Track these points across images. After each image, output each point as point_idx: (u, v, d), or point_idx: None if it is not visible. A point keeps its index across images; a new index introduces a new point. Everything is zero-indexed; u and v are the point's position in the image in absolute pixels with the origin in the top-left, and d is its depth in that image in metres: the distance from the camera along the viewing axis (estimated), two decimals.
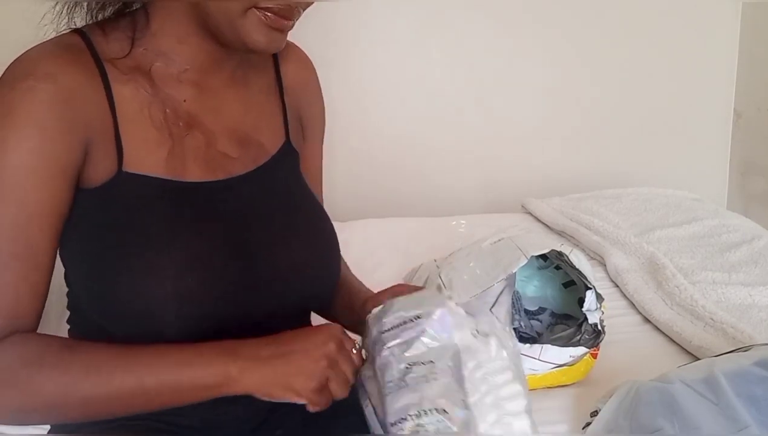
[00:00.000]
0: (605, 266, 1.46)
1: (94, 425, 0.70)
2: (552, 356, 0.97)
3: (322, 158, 0.96)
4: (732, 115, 2.18)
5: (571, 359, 0.98)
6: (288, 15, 0.68)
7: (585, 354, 0.99)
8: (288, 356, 0.65)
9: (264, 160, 0.77)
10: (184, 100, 0.72)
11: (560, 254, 1.07)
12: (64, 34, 0.70)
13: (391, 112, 2.07)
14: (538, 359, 0.96)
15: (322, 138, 0.96)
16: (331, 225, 0.82)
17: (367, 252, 1.59)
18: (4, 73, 0.65)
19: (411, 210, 1.93)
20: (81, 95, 0.66)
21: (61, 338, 0.68)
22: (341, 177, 2.08)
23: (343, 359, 0.67)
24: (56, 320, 1.17)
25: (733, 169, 2.22)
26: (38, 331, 0.67)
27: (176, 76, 0.72)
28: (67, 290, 0.76)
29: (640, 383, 0.83)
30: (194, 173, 0.71)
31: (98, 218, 0.67)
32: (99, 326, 0.69)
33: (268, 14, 0.66)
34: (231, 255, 0.70)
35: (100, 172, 0.67)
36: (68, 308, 0.77)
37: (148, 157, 0.69)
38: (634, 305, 1.30)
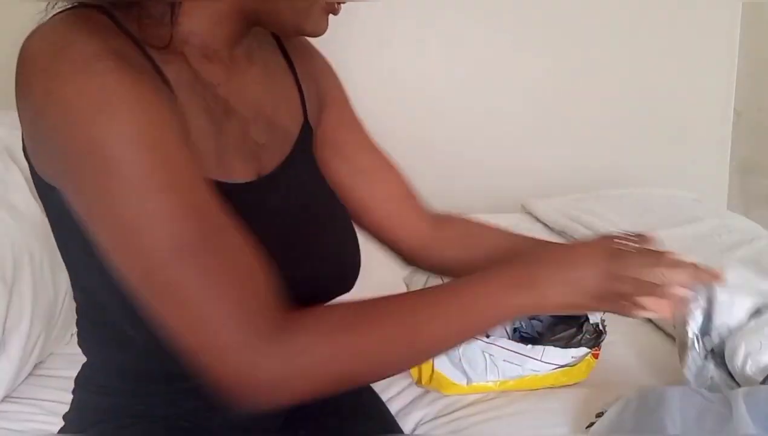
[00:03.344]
0: None
1: (116, 419, 0.69)
2: (554, 356, 0.96)
3: (359, 122, 0.91)
4: (732, 115, 2.18)
5: (573, 359, 0.98)
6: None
7: (587, 354, 0.98)
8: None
9: (290, 145, 0.73)
10: (219, 85, 0.67)
11: None
12: (73, 8, 0.59)
13: (390, 112, 2.06)
14: (540, 360, 0.96)
15: (348, 101, 0.91)
16: (348, 214, 0.82)
17: (367, 252, 1.58)
18: (52, 64, 0.54)
19: None
20: (147, 75, 0.57)
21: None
22: None
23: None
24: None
25: (733, 169, 2.21)
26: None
27: (209, 58, 0.66)
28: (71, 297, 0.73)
29: (648, 388, 0.83)
30: (238, 171, 0.66)
31: None
32: (121, 335, 0.64)
33: (335, 3, 0.68)
34: (284, 257, 0.64)
35: None
36: (80, 316, 0.72)
37: (202, 153, 0.62)
38: None
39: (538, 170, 2.11)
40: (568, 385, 1.00)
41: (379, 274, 1.46)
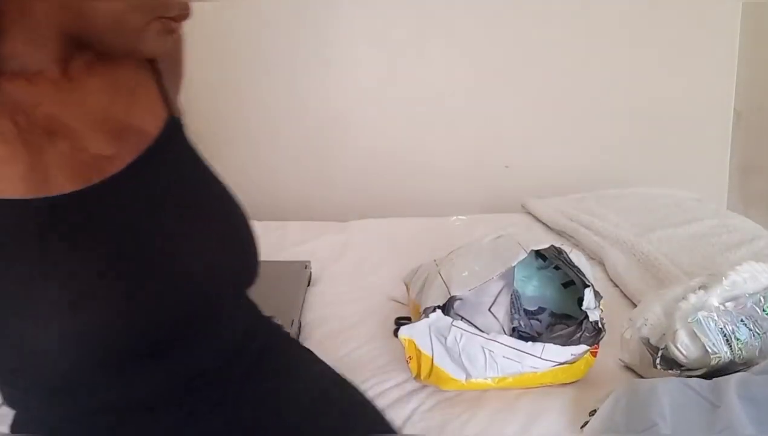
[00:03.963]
0: (605, 266, 1.46)
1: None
2: (553, 354, 0.97)
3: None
4: (732, 115, 2.18)
5: (572, 357, 0.98)
6: (186, 17, 0.65)
7: (586, 352, 0.99)
8: None
9: (146, 145, 0.68)
10: (39, 105, 0.63)
11: (559, 252, 1.07)
12: None
13: (391, 113, 2.07)
14: (540, 357, 0.96)
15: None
16: (237, 200, 0.74)
17: (367, 252, 1.59)
18: None
19: (411, 210, 1.93)
20: None
21: None
22: (341, 177, 2.09)
23: None
24: None
25: (733, 169, 2.21)
26: None
27: (28, 80, 0.63)
28: None
29: (638, 381, 0.84)
30: (61, 185, 0.61)
31: None
32: None
33: (171, 21, 0.65)
34: (127, 271, 0.63)
35: None
36: None
37: (1, 178, 0.59)
38: (634, 304, 1.30)
39: (538, 170, 2.11)
40: (567, 383, 1.00)
41: (380, 274, 1.47)
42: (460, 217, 1.79)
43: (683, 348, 0.91)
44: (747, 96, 2.12)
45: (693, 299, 0.95)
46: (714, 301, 0.95)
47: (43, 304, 0.58)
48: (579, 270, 1.05)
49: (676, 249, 1.49)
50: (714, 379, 0.84)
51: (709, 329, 0.90)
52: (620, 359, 1.04)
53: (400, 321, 1.21)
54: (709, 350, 0.88)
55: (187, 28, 0.71)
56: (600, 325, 1.00)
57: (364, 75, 2.03)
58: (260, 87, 1.97)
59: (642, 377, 1.01)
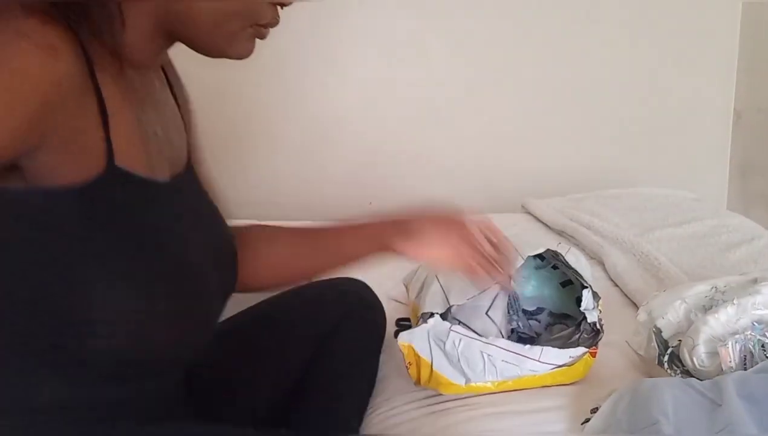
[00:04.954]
0: (605, 266, 1.46)
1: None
2: (552, 357, 0.96)
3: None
4: (732, 115, 2.18)
5: (571, 359, 0.98)
6: (276, 24, 0.70)
7: (584, 354, 0.99)
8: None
9: (185, 149, 0.78)
10: (150, 95, 0.71)
11: (556, 254, 1.07)
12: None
13: (390, 113, 2.07)
14: (538, 361, 0.96)
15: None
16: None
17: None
18: None
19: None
20: (72, 81, 0.58)
21: None
22: (341, 177, 2.09)
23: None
24: None
25: (733, 169, 2.21)
26: None
27: (138, 72, 0.69)
28: None
29: (641, 380, 0.84)
30: (162, 172, 0.70)
31: (77, 220, 0.60)
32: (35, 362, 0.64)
33: (263, 28, 0.69)
34: (187, 249, 0.70)
35: (90, 166, 0.60)
36: None
37: (131, 151, 0.65)
38: (634, 304, 1.30)
39: (538, 170, 2.11)
40: (566, 384, 1.00)
41: (379, 274, 1.46)
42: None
43: (698, 362, 0.90)
44: (747, 96, 2.12)
45: (723, 317, 0.92)
46: (745, 321, 0.92)
47: (158, 275, 0.64)
48: (576, 271, 1.05)
49: (676, 249, 1.49)
50: (714, 378, 0.84)
51: (733, 353, 0.88)
52: (626, 341, 1.03)
53: (401, 322, 1.21)
54: (724, 369, 0.87)
55: None
56: (598, 326, 1.00)
57: (364, 75, 2.03)
58: (260, 87, 1.97)
59: (643, 370, 1.01)
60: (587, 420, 0.84)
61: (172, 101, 0.79)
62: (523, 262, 1.01)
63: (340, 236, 0.92)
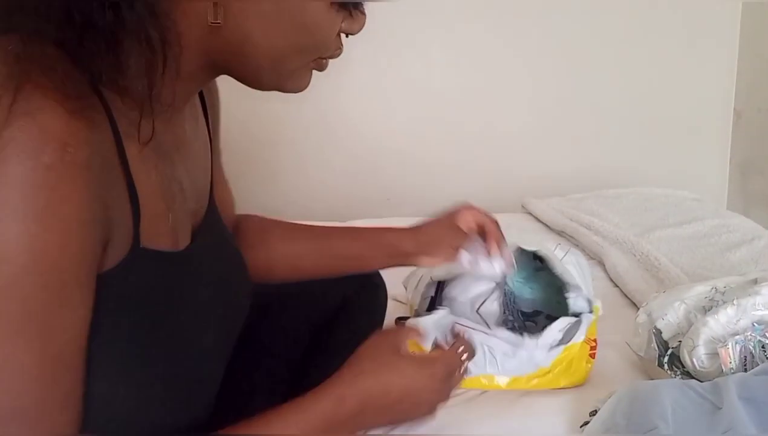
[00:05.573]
0: (605, 266, 1.46)
1: None
2: (549, 336, 0.97)
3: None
4: (732, 115, 2.18)
5: (561, 334, 0.98)
6: (339, 54, 0.66)
7: (578, 326, 0.99)
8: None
9: (206, 198, 0.71)
10: (166, 141, 0.60)
11: (541, 258, 1.08)
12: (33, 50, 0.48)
13: (391, 113, 2.07)
14: (537, 347, 0.96)
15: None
16: None
17: None
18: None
19: (411, 210, 1.93)
20: (102, 156, 0.50)
21: None
22: (341, 177, 2.09)
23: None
24: None
25: (733, 169, 2.21)
26: None
27: (165, 119, 0.59)
28: None
29: (640, 382, 0.84)
30: (184, 239, 0.63)
31: (113, 303, 0.53)
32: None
33: (324, 60, 0.65)
34: (210, 313, 0.66)
35: (116, 250, 0.53)
36: None
37: (156, 227, 0.57)
38: (634, 304, 1.30)
39: (538, 170, 2.11)
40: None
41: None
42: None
43: (698, 363, 0.90)
44: (747, 96, 2.12)
45: (723, 318, 0.92)
46: (745, 322, 0.91)
47: (195, 345, 0.62)
48: (562, 276, 1.06)
49: (676, 249, 1.49)
50: (714, 380, 0.84)
51: (733, 353, 0.88)
52: (626, 342, 1.03)
53: (400, 321, 1.21)
54: (724, 370, 0.87)
55: None
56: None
57: (365, 75, 2.03)
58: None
59: (642, 371, 1.01)
60: (586, 423, 0.84)
61: (204, 131, 0.71)
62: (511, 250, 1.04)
63: (356, 240, 0.92)
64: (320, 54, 0.63)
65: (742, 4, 2.09)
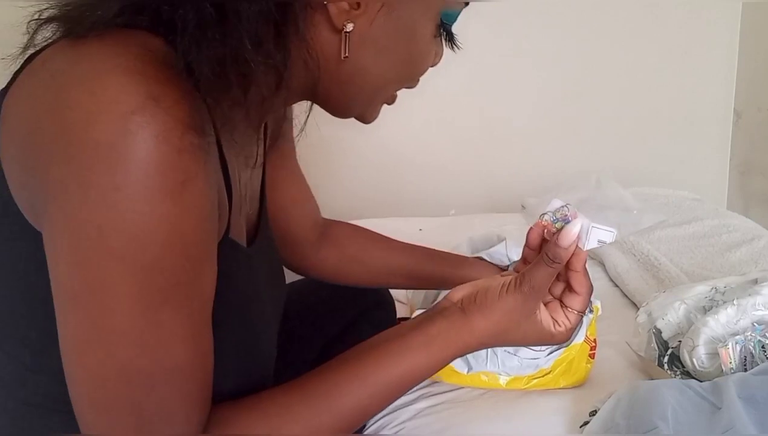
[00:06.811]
0: (605, 266, 1.46)
1: None
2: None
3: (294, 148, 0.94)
4: (732, 115, 2.18)
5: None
6: (412, 87, 0.69)
7: (578, 325, 0.99)
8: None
9: (258, 200, 0.75)
10: (249, 151, 0.66)
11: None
12: (143, 43, 0.50)
13: (390, 113, 2.06)
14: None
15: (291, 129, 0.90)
16: None
17: None
18: (118, 122, 0.45)
19: (411, 210, 1.93)
20: (211, 145, 0.53)
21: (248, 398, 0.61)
22: (341, 177, 2.09)
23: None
24: None
25: (733, 169, 2.21)
26: None
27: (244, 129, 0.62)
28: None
29: (640, 382, 0.84)
30: (243, 239, 0.67)
31: None
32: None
33: (395, 94, 0.68)
34: (269, 319, 0.72)
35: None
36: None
37: (237, 222, 0.62)
38: (634, 304, 1.30)
39: (538, 170, 2.11)
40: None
41: None
42: (451, 211, 1.83)
43: (698, 363, 0.90)
44: (747, 96, 2.12)
45: (723, 318, 0.92)
46: (745, 322, 0.91)
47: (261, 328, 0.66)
48: None
49: (676, 249, 1.49)
50: (714, 380, 0.84)
51: (733, 353, 0.88)
52: (626, 342, 1.04)
53: (401, 321, 1.21)
54: (724, 370, 0.87)
55: None
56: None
57: None
58: None
59: (642, 371, 1.01)
60: (586, 423, 0.84)
61: (260, 136, 0.74)
62: (499, 243, 1.07)
63: (444, 266, 0.99)
64: (406, 85, 0.67)
65: (742, 4, 2.08)
